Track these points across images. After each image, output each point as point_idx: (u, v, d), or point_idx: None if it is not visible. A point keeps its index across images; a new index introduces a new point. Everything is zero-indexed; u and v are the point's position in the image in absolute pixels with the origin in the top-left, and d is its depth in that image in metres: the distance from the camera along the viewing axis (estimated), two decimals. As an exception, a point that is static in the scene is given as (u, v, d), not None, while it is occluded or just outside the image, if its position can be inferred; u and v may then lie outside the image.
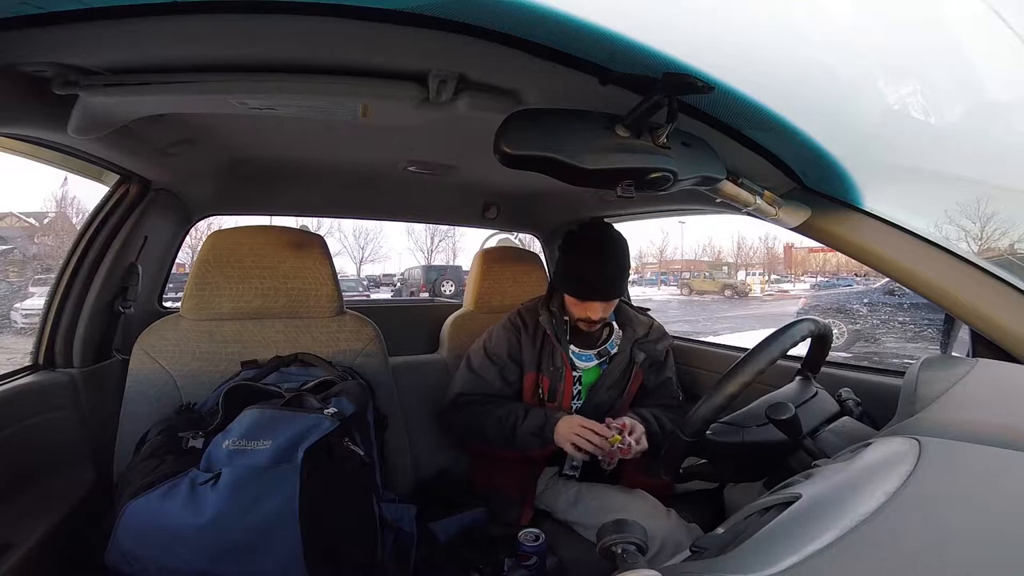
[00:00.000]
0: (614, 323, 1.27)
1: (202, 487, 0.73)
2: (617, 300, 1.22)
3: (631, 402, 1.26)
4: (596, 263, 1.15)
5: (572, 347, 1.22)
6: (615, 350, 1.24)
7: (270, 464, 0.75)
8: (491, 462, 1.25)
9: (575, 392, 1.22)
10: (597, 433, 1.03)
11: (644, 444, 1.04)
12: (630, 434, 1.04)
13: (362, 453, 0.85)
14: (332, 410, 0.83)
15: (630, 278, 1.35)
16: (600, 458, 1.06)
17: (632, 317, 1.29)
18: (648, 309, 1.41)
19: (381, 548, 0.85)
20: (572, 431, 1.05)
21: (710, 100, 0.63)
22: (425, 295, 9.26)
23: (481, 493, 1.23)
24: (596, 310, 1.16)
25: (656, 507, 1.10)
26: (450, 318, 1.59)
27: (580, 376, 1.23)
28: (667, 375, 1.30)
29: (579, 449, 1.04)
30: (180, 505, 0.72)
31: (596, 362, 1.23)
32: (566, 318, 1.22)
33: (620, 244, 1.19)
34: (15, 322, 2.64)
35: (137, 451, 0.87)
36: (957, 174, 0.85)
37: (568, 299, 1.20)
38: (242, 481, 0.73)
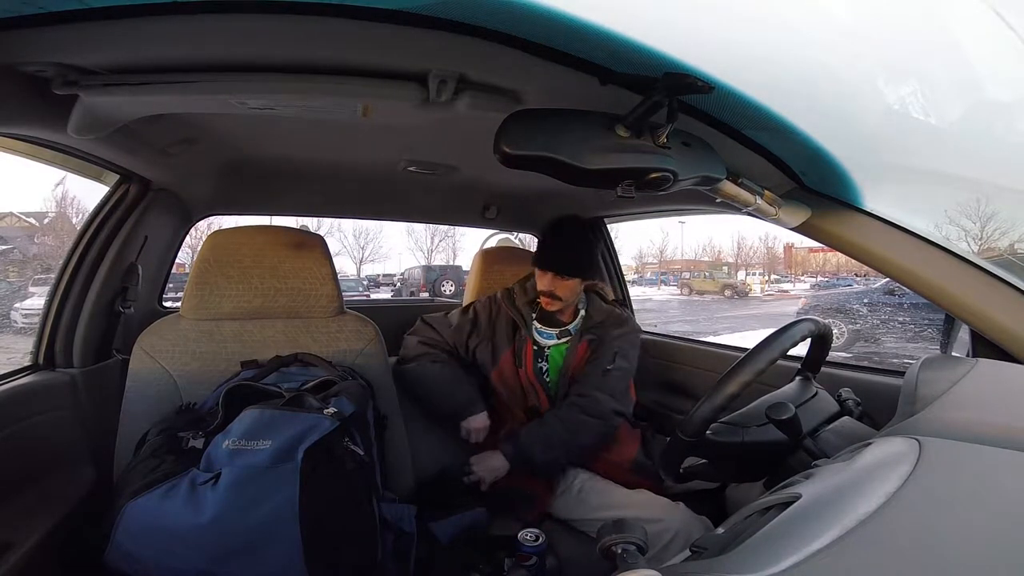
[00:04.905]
0: (583, 310, 1.36)
1: (202, 487, 0.73)
2: (573, 283, 1.28)
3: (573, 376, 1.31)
4: (554, 240, 1.30)
5: (536, 324, 1.34)
6: (574, 332, 1.33)
7: (270, 464, 0.74)
8: None
9: (543, 365, 1.33)
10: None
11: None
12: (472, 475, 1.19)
13: (362, 453, 0.85)
14: (332, 410, 0.83)
15: (629, 278, 1.39)
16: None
17: (599, 307, 1.37)
18: (627, 311, 1.46)
19: (381, 548, 0.85)
20: (471, 428, 1.25)
21: (710, 100, 0.63)
22: (425, 295, 9.25)
23: (497, 489, 1.23)
24: (547, 281, 1.27)
25: (663, 503, 1.10)
26: None
27: (546, 351, 1.33)
28: (607, 364, 1.28)
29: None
30: (180, 505, 0.72)
31: (556, 340, 1.33)
32: (538, 300, 1.33)
33: (581, 234, 1.32)
34: (15, 322, 2.64)
35: (137, 451, 0.87)
36: (957, 174, 0.85)
37: (536, 272, 1.31)
38: (242, 481, 0.73)
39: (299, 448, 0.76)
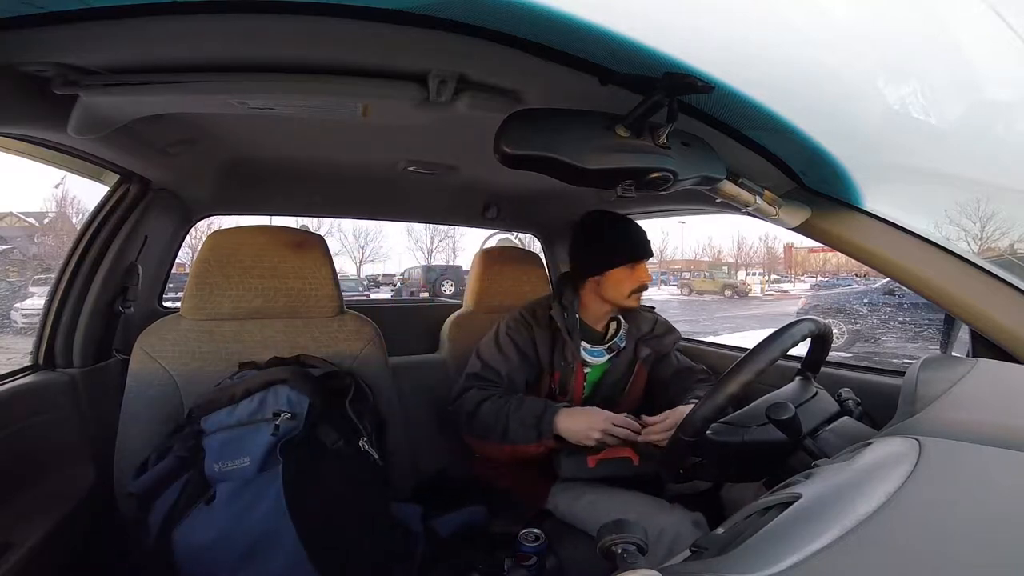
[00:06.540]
0: (620, 317, 1.27)
1: (205, 506, 0.79)
2: None
3: (639, 398, 1.27)
4: (632, 225, 1.19)
5: (583, 343, 1.22)
6: (623, 344, 1.25)
7: (256, 471, 0.81)
8: (501, 466, 1.23)
9: (584, 387, 1.23)
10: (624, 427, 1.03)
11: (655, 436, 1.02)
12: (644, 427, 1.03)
13: (343, 443, 0.90)
14: (286, 411, 0.87)
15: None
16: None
17: (636, 313, 1.28)
18: (653, 308, 1.39)
19: (390, 547, 0.87)
20: (596, 426, 1.02)
21: (710, 100, 0.63)
22: (425, 295, 9.25)
23: (490, 495, 1.22)
24: (646, 271, 1.17)
25: (658, 503, 1.10)
26: (450, 318, 1.60)
27: (588, 372, 1.23)
28: (677, 362, 1.28)
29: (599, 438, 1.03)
30: (199, 523, 0.79)
31: (607, 357, 1.23)
32: (577, 315, 1.22)
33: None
34: (15, 322, 2.63)
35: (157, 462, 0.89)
36: (957, 174, 0.85)
37: (617, 275, 1.17)
38: (235, 491, 0.80)
39: (272, 452, 0.83)
